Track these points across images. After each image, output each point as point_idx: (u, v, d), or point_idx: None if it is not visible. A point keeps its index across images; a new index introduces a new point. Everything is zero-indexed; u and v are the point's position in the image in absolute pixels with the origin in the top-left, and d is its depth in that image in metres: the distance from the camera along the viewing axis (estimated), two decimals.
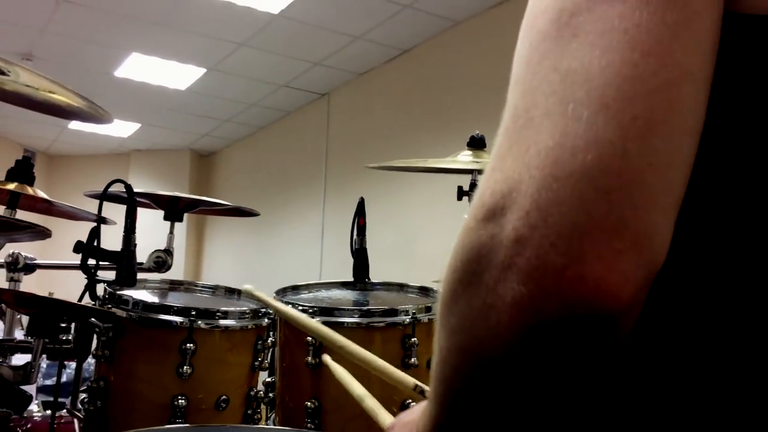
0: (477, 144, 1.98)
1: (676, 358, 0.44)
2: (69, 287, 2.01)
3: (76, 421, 1.77)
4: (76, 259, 1.64)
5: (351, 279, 1.84)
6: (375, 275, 1.84)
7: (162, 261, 1.74)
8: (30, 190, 1.47)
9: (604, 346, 0.39)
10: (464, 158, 1.97)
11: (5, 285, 1.73)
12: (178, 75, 5.56)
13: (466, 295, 0.41)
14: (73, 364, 2.30)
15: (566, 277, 0.36)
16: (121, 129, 6.96)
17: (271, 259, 6.44)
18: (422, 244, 4.45)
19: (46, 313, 1.20)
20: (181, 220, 1.81)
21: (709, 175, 0.43)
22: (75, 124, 6.77)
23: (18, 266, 1.67)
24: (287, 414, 1.58)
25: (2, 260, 1.69)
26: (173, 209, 1.81)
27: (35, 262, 1.74)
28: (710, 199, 0.44)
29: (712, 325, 0.43)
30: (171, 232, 1.80)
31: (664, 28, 0.39)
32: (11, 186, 1.45)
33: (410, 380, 0.88)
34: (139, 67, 5.42)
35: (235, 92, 5.91)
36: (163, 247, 1.78)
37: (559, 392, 0.41)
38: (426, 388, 0.86)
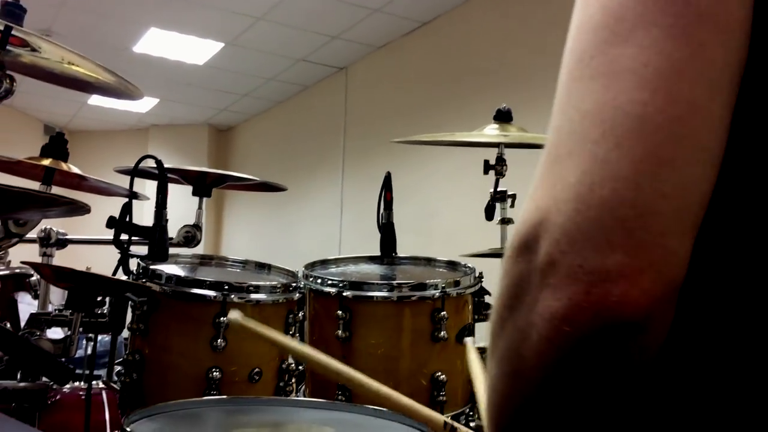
0: (503, 117, 1.97)
1: (712, 364, 0.47)
2: (95, 262, 2.04)
3: (104, 392, 1.80)
4: (106, 233, 1.67)
5: (377, 253, 1.85)
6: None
7: (192, 236, 1.76)
8: (64, 166, 1.49)
9: (636, 352, 0.43)
10: (491, 131, 1.96)
11: (38, 260, 1.76)
12: (196, 50, 5.55)
13: (512, 318, 0.46)
14: (99, 338, 2.34)
15: (594, 293, 0.41)
16: (140, 104, 6.98)
17: (290, 234, 6.47)
18: (442, 218, 4.45)
19: (85, 287, 1.22)
20: (209, 195, 1.82)
21: (746, 182, 0.46)
22: (94, 100, 6.79)
23: (51, 241, 1.69)
24: (317, 386, 1.60)
25: (35, 235, 1.71)
26: (201, 184, 1.82)
27: (67, 237, 1.76)
28: (750, 208, 0.46)
29: (743, 332, 0.46)
30: (200, 207, 1.82)
31: (669, 65, 0.42)
32: (46, 162, 1.47)
33: (439, 417, 0.88)
34: (158, 42, 5.42)
35: (253, 67, 5.90)
36: (187, 222, 1.79)
37: (604, 402, 0.45)
38: (456, 425, 0.87)
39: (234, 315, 0.85)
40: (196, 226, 1.79)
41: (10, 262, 2.89)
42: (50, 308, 2.08)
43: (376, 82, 5.49)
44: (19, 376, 1.47)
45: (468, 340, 1.11)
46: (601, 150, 0.42)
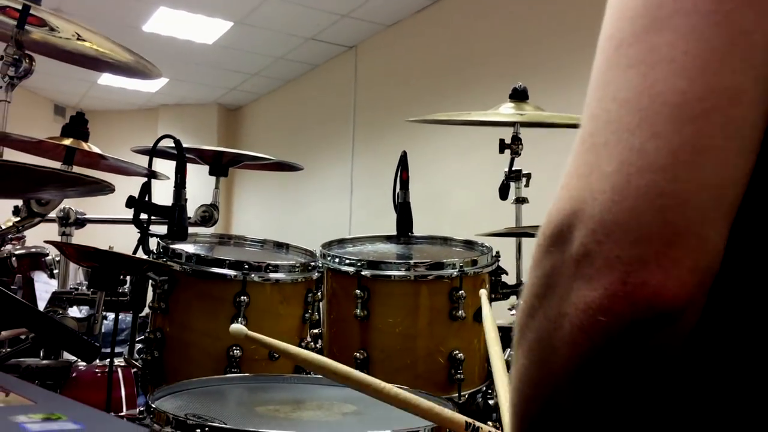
0: (519, 96, 1.96)
1: (734, 357, 0.47)
2: (112, 241, 2.05)
3: (120, 370, 1.82)
4: (122, 213, 1.67)
5: (388, 232, 1.85)
6: None
7: (209, 215, 1.76)
8: (85, 146, 1.50)
9: (668, 342, 0.43)
10: (506, 110, 1.95)
11: (57, 239, 1.77)
12: (205, 29, 5.53)
13: (543, 307, 0.46)
14: (111, 316, 2.37)
15: (631, 283, 0.41)
16: (149, 84, 6.97)
17: (300, 213, 6.48)
18: (452, 198, 4.45)
19: (108, 266, 1.23)
20: (226, 175, 1.83)
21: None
22: (104, 79, 6.78)
23: (70, 221, 1.71)
24: None
25: (54, 215, 1.72)
26: (218, 164, 1.83)
27: (86, 216, 1.77)
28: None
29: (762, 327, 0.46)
30: (216, 187, 1.83)
31: (710, 54, 0.41)
32: (67, 141, 1.47)
33: (461, 418, 0.88)
34: (167, 21, 5.41)
35: (263, 46, 5.87)
36: (198, 202, 1.79)
37: (631, 394, 0.45)
38: (478, 424, 0.87)
39: (237, 327, 0.83)
40: (213, 206, 1.80)
41: (24, 241, 2.91)
42: (58, 287, 2.10)
43: (385, 61, 5.46)
44: (42, 354, 1.48)
45: (482, 292, 1.11)
46: (638, 140, 0.41)
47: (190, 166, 1.85)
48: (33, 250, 2.72)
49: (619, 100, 0.43)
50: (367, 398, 1.27)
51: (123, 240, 1.91)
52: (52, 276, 2.70)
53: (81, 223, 1.75)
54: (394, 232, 1.85)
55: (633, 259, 0.41)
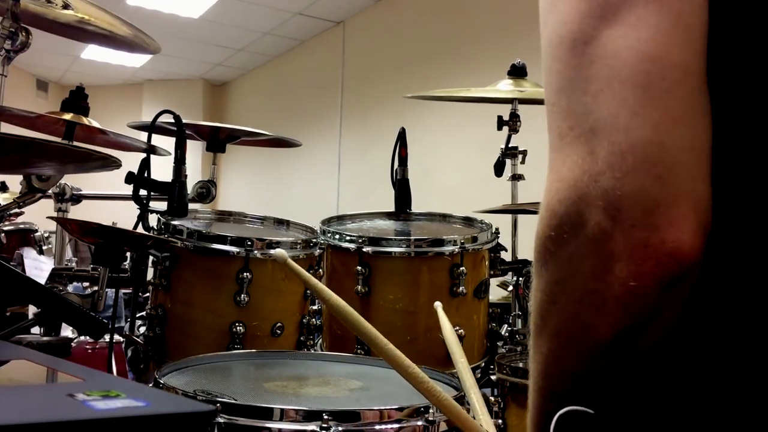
0: (518, 72, 1.95)
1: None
2: (107, 217, 2.03)
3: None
4: (115, 189, 1.65)
5: (378, 209, 1.85)
6: (392, 206, 1.84)
7: (206, 192, 1.75)
8: (85, 121, 1.47)
9: (684, 296, 0.48)
10: (505, 87, 1.94)
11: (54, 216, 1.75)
12: (191, 2, 5.45)
13: (565, 292, 0.49)
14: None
15: (652, 245, 0.45)
16: (134, 59, 6.87)
17: (287, 189, 6.45)
18: (443, 175, 4.45)
19: (112, 242, 1.22)
20: (223, 151, 1.81)
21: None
22: (87, 54, 6.68)
23: (65, 197, 1.69)
24: (335, 341, 1.62)
25: (50, 192, 1.70)
26: (215, 140, 1.81)
27: (81, 193, 1.75)
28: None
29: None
30: (213, 163, 1.81)
31: (659, 37, 0.47)
32: (67, 116, 1.45)
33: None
34: None
35: (249, 20, 5.80)
36: (198, 178, 1.78)
37: (653, 351, 0.49)
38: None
39: (281, 252, 0.84)
40: (211, 182, 1.78)
41: (14, 218, 2.88)
42: (55, 264, 2.08)
43: (374, 36, 5.41)
44: (42, 331, 1.47)
45: (437, 304, 1.13)
46: (621, 121, 0.46)
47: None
48: (22, 226, 2.69)
49: (592, 92, 0.48)
50: (372, 374, 1.28)
51: (115, 216, 1.89)
52: (41, 252, 2.67)
53: (77, 199, 1.73)
54: (383, 209, 1.85)
55: (648, 224, 0.45)
